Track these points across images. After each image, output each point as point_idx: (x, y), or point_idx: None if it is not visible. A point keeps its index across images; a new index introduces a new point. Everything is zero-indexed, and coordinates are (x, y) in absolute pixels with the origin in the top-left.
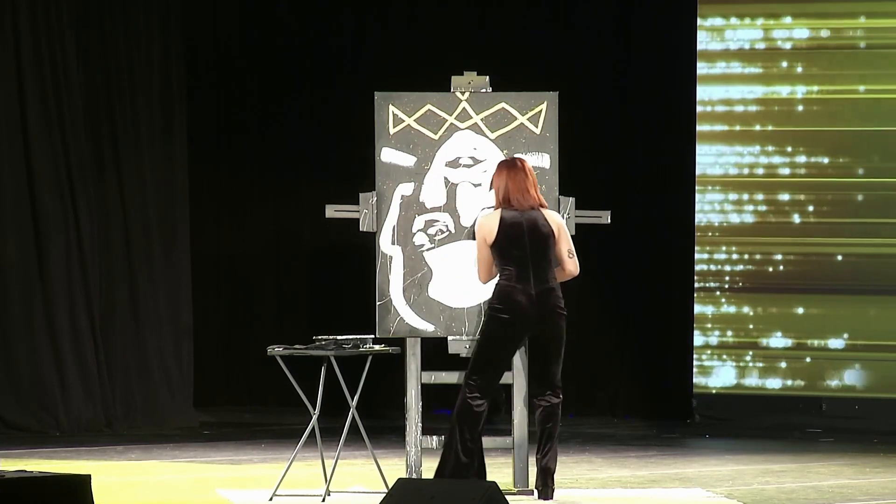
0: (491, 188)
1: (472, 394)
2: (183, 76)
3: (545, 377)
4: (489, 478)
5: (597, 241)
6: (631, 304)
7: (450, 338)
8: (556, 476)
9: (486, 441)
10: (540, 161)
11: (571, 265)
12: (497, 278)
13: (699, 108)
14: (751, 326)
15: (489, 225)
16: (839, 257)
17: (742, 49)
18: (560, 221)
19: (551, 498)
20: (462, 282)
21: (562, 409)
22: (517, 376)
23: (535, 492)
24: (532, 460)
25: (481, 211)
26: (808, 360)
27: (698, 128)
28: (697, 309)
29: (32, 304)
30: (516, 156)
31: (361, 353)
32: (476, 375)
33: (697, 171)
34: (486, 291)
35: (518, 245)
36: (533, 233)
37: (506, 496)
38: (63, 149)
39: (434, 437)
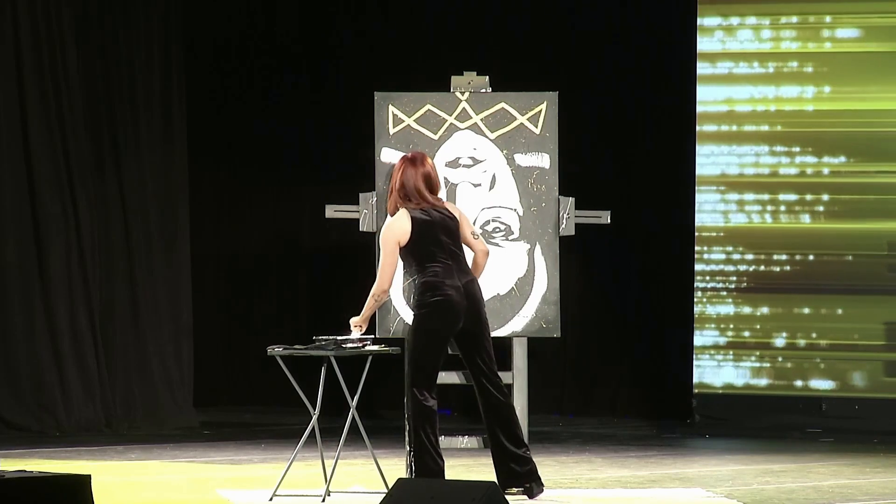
0: (388, 185)
1: (422, 395)
2: (183, 76)
3: (489, 367)
4: (489, 478)
5: (597, 242)
6: (631, 305)
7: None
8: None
9: (485, 441)
10: (540, 161)
11: (481, 243)
12: (418, 277)
13: (699, 108)
14: (751, 326)
15: (402, 226)
16: (840, 257)
17: (742, 49)
18: (457, 207)
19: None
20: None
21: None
22: (517, 377)
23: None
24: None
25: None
26: (808, 359)
27: (698, 128)
28: (697, 309)
29: (32, 304)
30: (417, 150)
31: (362, 353)
32: (421, 375)
33: (697, 172)
34: (486, 292)
35: (434, 242)
36: (445, 227)
37: (506, 496)
38: (63, 149)
39: None
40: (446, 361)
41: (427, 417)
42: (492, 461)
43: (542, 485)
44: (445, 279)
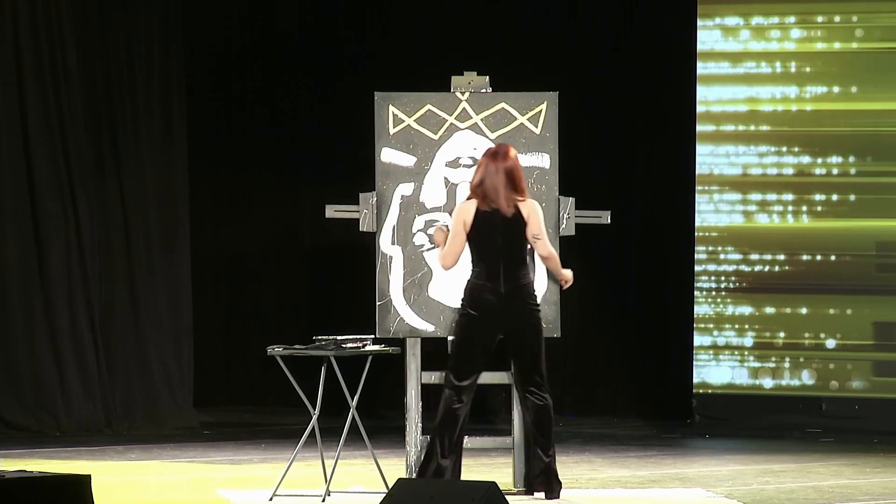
0: (474, 175)
1: (453, 395)
2: (183, 76)
3: (533, 372)
4: (489, 478)
5: (597, 242)
6: (631, 304)
7: (450, 338)
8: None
9: (486, 441)
10: (540, 161)
11: (541, 247)
12: (469, 275)
13: (699, 108)
14: (751, 326)
15: (467, 211)
16: (839, 257)
17: (742, 49)
18: (530, 210)
19: (559, 496)
20: (462, 282)
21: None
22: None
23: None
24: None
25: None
26: (808, 359)
27: (698, 128)
28: (697, 309)
29: (32, 304)
30: (503, 143)
31: (362, 353)
32: (451, 375)
33: (697, 172)
34: None
35: (490, 242)
36: (507, 233)
37: (506, 496)
38: (63, 149)
39: None
40: (447, 362)
41: (447, 420)
42: (492, 461)
43: (560, 485)
44: (487, 282)
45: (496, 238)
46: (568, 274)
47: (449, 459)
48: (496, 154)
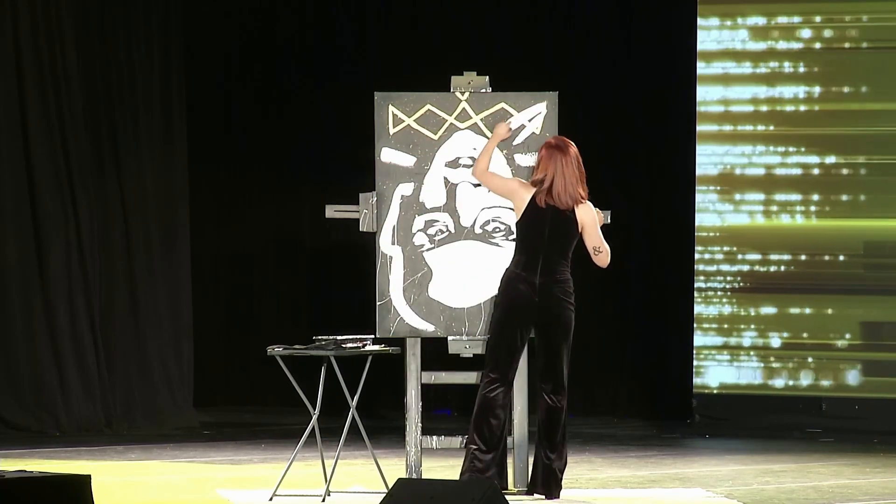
0: (537, 166)
1: (490, 383)
2: (183, 76)
3: (551, 371)
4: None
5: None
6: (631, 304)
7: (450, 338)
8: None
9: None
10: None
11: (597, 261)
12: (510, 263)
13: (699, 108)
14: (751, 326)
15: (522, 190)
16: (839, 257)
17: (742, 49)
18: (588, 219)
19: (558, 497)
20: (462, 282)
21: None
22: (517, 377)
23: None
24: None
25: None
26: (808, 359)
27: (698, 128)
28: (697, 309)
29: (32, 304)
30: (561, 136)
31: (362, 353)
32: (491, 363)
33: (697, 171)
34: (486, 291)
35: (537, 235)
36: (556, 230)
37: (506, 496)
38: (63, 149)
39: (434, 437)
40: (447, 362)
41: (485, 409)
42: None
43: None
44: (524, 272)
45: (544, 231)
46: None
47: (490, 455)
48: (559, 147)
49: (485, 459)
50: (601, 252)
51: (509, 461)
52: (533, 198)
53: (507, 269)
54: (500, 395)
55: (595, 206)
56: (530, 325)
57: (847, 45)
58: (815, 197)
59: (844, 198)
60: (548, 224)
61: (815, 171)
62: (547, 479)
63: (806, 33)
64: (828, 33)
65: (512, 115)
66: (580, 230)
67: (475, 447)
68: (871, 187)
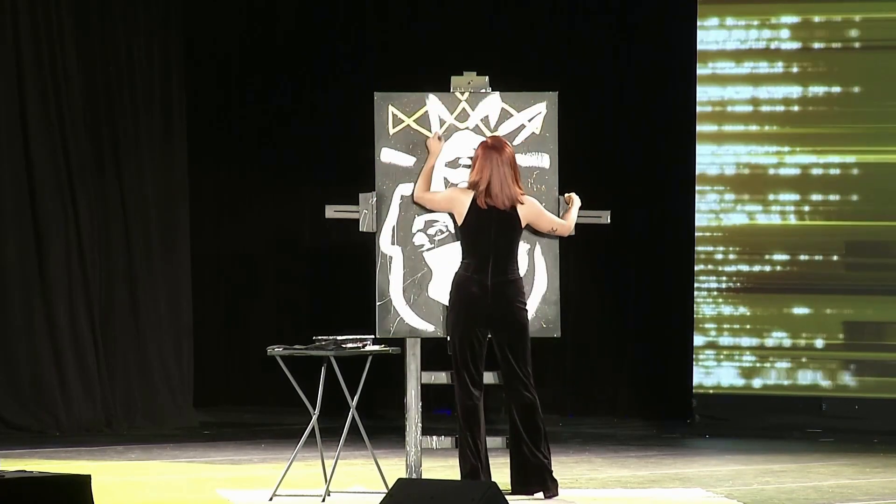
0: (473, 167)
1: (463, 391)
2: (183, 76)
3: (513, 371)
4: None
5: (597, 241)
6: (631, 305)
7: (449, 338)
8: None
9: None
10: (540, 161)
11: (561, 230)
12: (458, 267)
13: (699, 108)
14: (750, 326)
15: (459, 198)
16: (838, 257)
17: (742, 49)
18: (532, 213)
19: (557, 494)
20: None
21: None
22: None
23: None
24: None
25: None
26: (807, 359)
27: (698, 128)
28: (697, 309)
29: (32, 304)
30: (497, 135)
31: (362, 353)
32: (459, 371)
33: (697, 171)
34: None
35: (483, 236)
36: (501, 230)
37: (506, 496)
38: (63, 149)
39: (434, 438)
40: (447, 361)
41: (468, 415)
42: (491, 461)
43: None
44: (475, 274)
45: (490, 232)
46: (575, 199)
47: (478, 456)
48: (494, 147)
49: (479, 466)
50: (557, 230)
51: (509, 461)
52: (473, 200)
53: (456, 273)
54: (480, 397)
55: (595, 206)
56: (486, 327)
57: (846, 44)
58: (815, 197)
59: (845, 198)
60: (493, 224)
61: (815, 171)
62: (543, 477)
63: (806, 33)
64: (828, 33)
65: (512, 116)
66: (524, 227)
67: (471, 451)
68: (873, 187)
